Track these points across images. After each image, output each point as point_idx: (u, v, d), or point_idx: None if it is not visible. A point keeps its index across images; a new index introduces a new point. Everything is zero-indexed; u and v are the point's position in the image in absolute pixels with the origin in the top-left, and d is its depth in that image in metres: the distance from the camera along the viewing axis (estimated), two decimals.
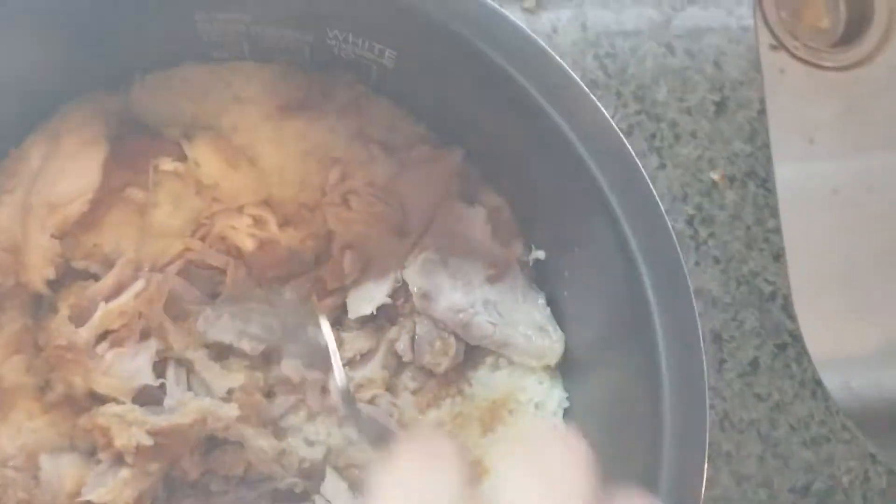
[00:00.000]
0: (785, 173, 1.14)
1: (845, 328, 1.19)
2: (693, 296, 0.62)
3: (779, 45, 1.21)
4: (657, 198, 0.63)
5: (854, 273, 1.19)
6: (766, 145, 1.05)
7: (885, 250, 1.20)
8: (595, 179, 0.63)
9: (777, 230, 1.04)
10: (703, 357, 0.64)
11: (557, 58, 0.63)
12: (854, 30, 1.24)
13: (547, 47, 0.62)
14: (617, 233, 0.64)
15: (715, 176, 1.03)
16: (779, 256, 1.04)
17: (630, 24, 1.04)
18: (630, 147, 0.63)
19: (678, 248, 0.62)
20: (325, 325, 0.78)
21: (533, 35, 0.62)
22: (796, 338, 1.02)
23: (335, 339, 0.81)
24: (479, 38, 0.62)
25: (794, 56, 1.22)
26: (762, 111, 1.05)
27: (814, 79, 1.22)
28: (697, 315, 0.63)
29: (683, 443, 0.62)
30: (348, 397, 0.77)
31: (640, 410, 0.66)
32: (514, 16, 0.97)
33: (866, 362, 1.19)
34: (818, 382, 1.02)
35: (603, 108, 0.63)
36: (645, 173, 0.62)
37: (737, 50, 1.06)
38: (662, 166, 1.02)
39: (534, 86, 0.63)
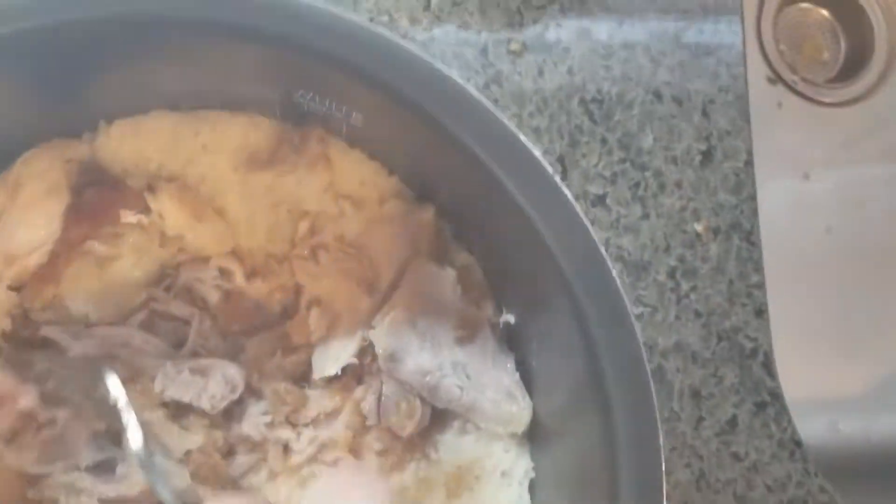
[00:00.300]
0: (777, 210, 1.12)
1: (833, 370, 1.17)
2: (650, 379, 0.60)
3: (776, 79, 1.19)
4: (617, 281, 0.61)
5: (844, 314, 1.17)
6: (752, 197, 1.03)
7: (878, 289, 1.18)
8: (554, 257, 0.61)
9: (760, 285, 1.02)
10: (660, 439, 0.62)
11: (521, 135, 0.60)
12: (853, 64, 1.22)
13: (507, 121, 0.60)
14: (577, 312, 0.63)
15: (699, 227, 1.01)
16: (761, 312, 1.02)
17: (618, 70, 1.02)
18: (591, 230, 0.60)
19: (640, 341, 0.60)
20: (115, 381, 0.74)
21: (491, 107, 0.60)
22: (776, 396, 1.01)
23: (300, 397, 0.80)
24: (436, 108, 0.60)
25: (791, 90, 1.20)
26: (749, 162, 1.03)
27: (811, 113, 1.20)
28: (656, 407, 0.61)
29: None
30: (146, 461, 0.72)
31: (600, 482, 0.65)
32: (500, 57, 0.96)
33: (855, 404, 1.17)
34: (797, 443, 1.00)
35: (562, 185, 0.60)
36: (605, 254, 0.60)
37: (725, 98, 1.04)
38: (646, 216, 1.00)
39: (493, 159, 0.61)
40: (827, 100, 1.20)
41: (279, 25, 0.59)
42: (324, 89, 0.67)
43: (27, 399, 0.71)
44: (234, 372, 0.79)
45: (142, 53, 0.66)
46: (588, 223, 0.62)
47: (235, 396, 0.79)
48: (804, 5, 1.24)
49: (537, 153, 0.62)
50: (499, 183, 0.63)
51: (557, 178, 0.63)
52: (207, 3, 0.59)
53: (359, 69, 0.60)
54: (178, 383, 0.77)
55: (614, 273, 0.62)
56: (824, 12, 1.25)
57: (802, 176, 1.18)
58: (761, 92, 1.18)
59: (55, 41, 0.61)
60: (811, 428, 1.11)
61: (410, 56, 0.60)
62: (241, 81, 0.69)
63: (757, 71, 1.18)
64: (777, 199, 1.15)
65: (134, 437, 0.72)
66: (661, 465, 0.62)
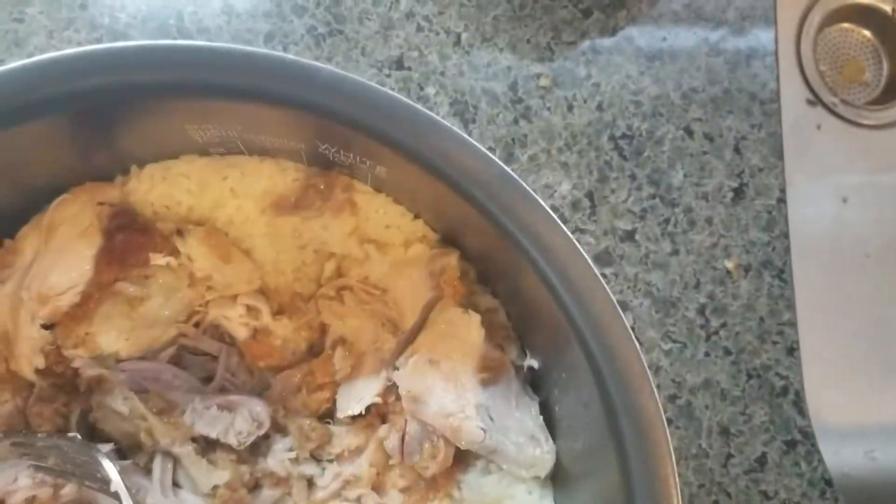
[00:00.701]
0: (815, 234, 1.11)
1: (868, 400, 1.16)
2: (672, 455, 0.60)
3: (816, 101, 1.19)
4: (633, 338, 0.61)
5: (882, 341, 1.16)
6: (784, 235, 1.02)
7: None
8: (570, 313, 0.61)
9: (792, 323, 1.01)
10: (677, 490, 0.62)
11: (540, 201, 0.61)
12: (895, 87, 1.21)
13: (529, 189, 0.61)
14: (593, 367, 0.63)
15: (729, 264, 1.01)
16: (792, 350, 1.01)
17: (648, 106, 1.02)
18: (607, 288, 0.60)
19: (657, 399, 0.60)
20: (109, 465, 0.74)
21: (515, 177, 0.60)
22: (807, 435, 1.00)
23: (325, 433, 0.81)
24: (455, 171, 0.61)
25: (831, 112, 1.19)
26: (782, 199, 1.02)
27: (851, 136, 1.19)
28: (674, 468, 0.60)
29: None
30: None
31: None
32: (529, 93, 0.96)
33: (892, 432, 1.16)
34: (828, 482, 1.00)
35: (577, 243, 0.61)
36: (628, 325, 0.60)
37: (758, 135, 1.03)
38: (675, 252, 1.00)
39: (508, 218, 0.62)
40: (867, 122, 1.18)
41: (301, 92, 0.60)
42: (347, 146, 0.68)
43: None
44: (260, 409, 0.80)
45: (171, 112, 0.68)
46: (603, 281, 0.62)
47: (262, 432, 0.80)
48: (845, 25, 1.23)
49: (549, 208, 0.62)
50: (513, 236, 0.64)
51: (571, 233, 0.63)
52: (234, 70, 0.60)
53: (381, 133, 0.61)
54: (206, 419, 0.79)
55: (630, 330, 0.62)
56: (866, 33, 1.23)
57: (840, 200, 1.17)
58: (800, 114, 1.17)
59: (91, 98, 0.62)
60: (846, 458, 1.10)
61: (430, 121, 0.61)
62: (268, 135, 0.70)
63: (796, 93, 1.17)
64: (814, 225, 1.14)
65: None
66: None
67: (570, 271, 0.61)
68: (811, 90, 1.18)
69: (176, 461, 0.79)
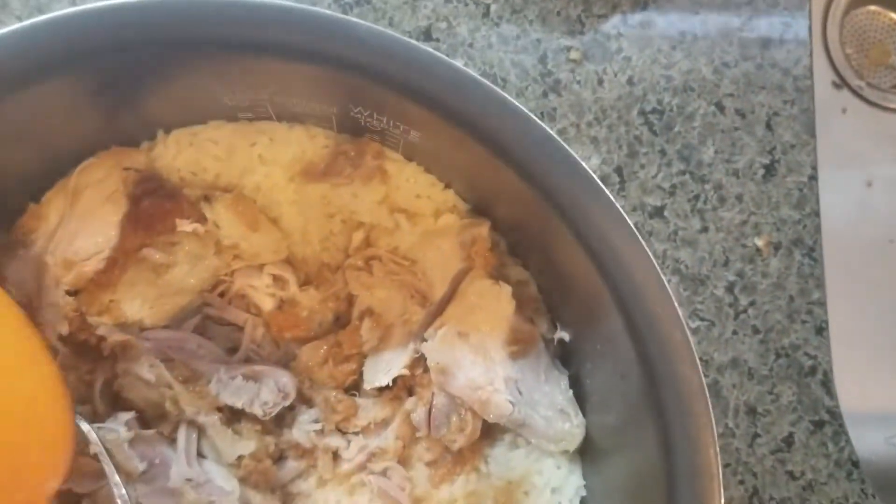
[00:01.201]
0: (839, 220, 1.10)
1: (892, 385, 1.15)
2: (709, 405, 0.59)
3: (842, 84, 1.17)
4: (675, 303, 0.59)
5: None
6: (816, 213, 1.01)
7: None
8: (611, 277, 0.60)
9: (821, 302, 1.00)
10: (718, 464, 0.61)
11: (582, 163, 0.59)
12: None
13: (571, 152, 0.59)
14: (633, 333, 0.62)
15: (759, 242, 0.99)
16: (822, 330, 1.00)
17: (679, 81, 1.00)
18: (649, 251, 0.59)
19: (698, 363, 0.59)
20: (86, 426, 0.71)
21: (546, 127, 0.59)
22: (834, 415, 0.98)
23: (351, 405, 0.80)
24: (492, 128, 0.60)
25: (857, 95, 1.18)
26: (813, 177, 1.01)
27: (877, 120, 1.17)
28: (715, 434, 0.59)
29: None
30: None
31: (654, 501, 0.64)
32: (559, 66, 0.95)
33: None
34: (855, 463, 0.98)
35: (619, 205, 0.59)
36: (671, 292, 0.59)
37: (791, 111, 1.01)
38: (704, 229, 0.99)
39: (548, 178, 0.60)
40: (893, 106, 1.17)
41: (337, 48, 0.59)
42: (381, 108, 0.66)
43: None
44: (286, 380, 0.80)
45: (200, 71, 0.66)
46: (645, 244, 0.61)
47: (287, 403, 0.79)
48: (872, 8, 1.21)
49: (592, 173, 0.61)
50: (554, 201, 0.63)
51: (613, 198, 0.61)
52: (266, 24, 0.58)
53: (416, 90, 0.60)
54: (231, 389, 0.78)
55: (672, 294, 0.60)
56: (893, 15, 1.21)
57: (865, 184, 1.15)
58: (825, 98, 1.15)
59: (117, 56, 0.61)
60: (868, 443, 1.08)
61: (467, 78, 0.59)
62: (299, 97, 0.69)
63: (822, 76, 1.15)
64: (839, 208, 1.12)
65: (115, 482, 0.71)
66: (719, 490, 0.61)
67: (613, 236, 0.60)
68: (837, 73, 1.17)
69: (200, 431, 0.78)
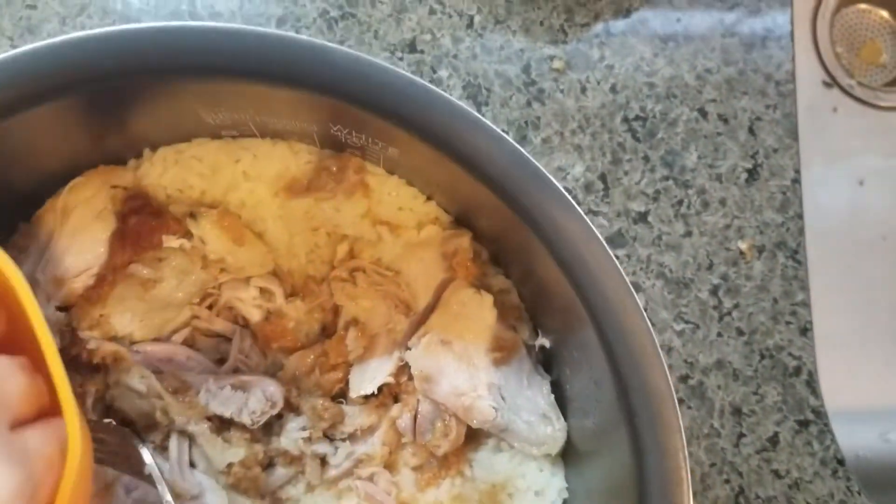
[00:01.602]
0: (830, 216, 1.11)
1: (883, 381, 1.16)
2: (682, 427, 0.61)
3: (832, 83, 1.18)
4: (645, 318, 0.61)
5: None
6: (799, 215, 1.02)
7: None
8: (583, 291, 0.62)
9: (805, 304, 1.01)
10: (686, 471, 0.63)
11: (552, 179, 0.61)
12: None
13: (540, 167, 0.61)
14: (605, 346, 0.63)
15: (743, 245, 1.01)
16: (806, 331, 1.01)
17: (662, 87, 1.02)
18: (619, 267, 0.61)
19: (667, 377, 0.61)
20: (146, 452, 0.76)
21: (526, 155, 0.61)
22: (819, 414, 1.00)
23: (338, 413, 0.82)
24: (466, 148, 0.62)
25: (848, 94, 1.19)
26: (796, 180, 1.02)
27: (868, 118, 1.19)
28: (685, 447, 0.61)
29: None
30: None
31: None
32: (543, 75, 0.96)
33: None
34: (840, 461, 1.00)
35: (589, 221, 0.61)
36: (639, 302, 0.60)
37: (773, 116, 1.03)
38: (688, 234, 1.00)
39: (527, 206, 0.62)
40: (885, 104, 1.18)
41: (314, 73, 0.60)
42: (360, 127, 0.68)
43: None
44: (273, 389, 0.81)
45: (184, 94, 0.68)
46: (615, 259, 0.62)
47: (275, 412, 0.81)
48: (862, 7, 1.22)
49: (571, 199, 0.62)
50: (527, 216, 0.64)
51: (584, 214, 0.63)
52: (246, 52, 0.60)
53: (390, 112, 0.62)
54: (220, 399, 0.80)
55: (641, 309, 0.62)
56: (884, 13, 1.23)
57: (857, 182, 1.17)
58: (815, 96, 1.17)
59: (102, 83, 0.63)
60: (859, 440, 1.10)
61: (439, 99, 0.61)
62: (280, 117, 0.71)
63: (812, 75, 1.17)
64: (829, 207, 1.14)
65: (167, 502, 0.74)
66: (688, 493, 0.63)
67: (583, 250, 0.61)
68: (827, 72, 1.18)
69: (191, 440, 0.80)
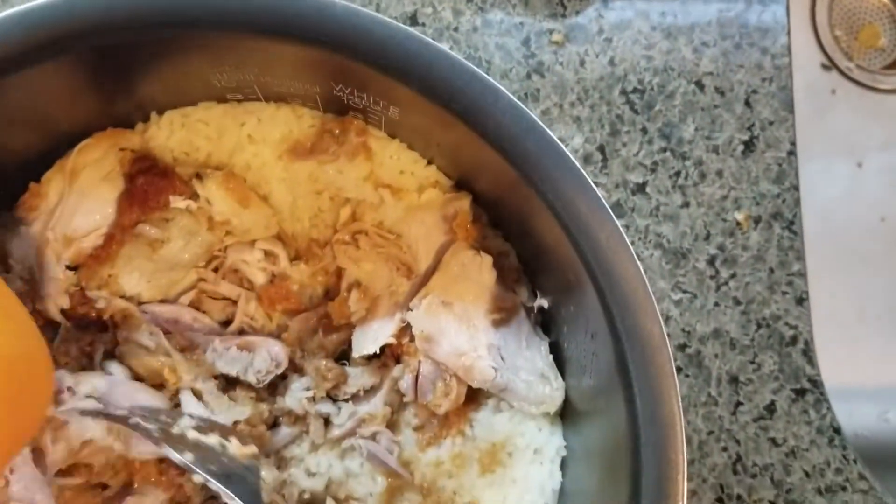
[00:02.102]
0: (829, 197, 1.13)
1: (882, 361, 1.17)
2: (675, 374, 0.62)
3: (831, 65, 1.20)
4: (642, 272, 0.62)
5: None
6: (795, 187, 1.03)
7: None
8: (581, 248, 0.63)
9: (801, 274, 1.02)
10: (683, 439, 0.64)
11: (546, 129, 0.63)
12: None
13: (535, 117, 0.62)
14: (602, 300, 0.64)
15: (739, 216, 1.02)
16: (802, 300, 1.02)
17: (660, 60, 1.03)
18: (619, 226, 0.62)
19: (663, 329, 0.62)
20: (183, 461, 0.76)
21: (521, 106, 0.62)
22: (815, 383, 1.01)
23: (341, 374, 0.83)
24: (467, 104, 0.63)
25: (846, 77, 1.20)
26: (792, 152, 1.03)
27: (866, 101, 1.20)
28: (679, 393, 0.62)
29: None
30: None
31: (626, 459, 0.66)
32: (542, 48, 0.98)
33: None
34: (836, 430, 1.01)
35: (590, 180, 0.62)
36: (632, 249, 0.62)
37: (769, 89, 1.04)
38: (686, 204, 1.02)
39: (521, 156, 0.63)
40: (883, 86, 1.19)
41: (318, 28, 0.62)
42: (362, 86, 0.70)
43: None
44: (278, 349, 0.83)
45: (189, 51, 0.70)
46: (613, 215, 0.64)
47: (279, 371, 0.83)
48: None
49: (563, 147, 0.64)
50: (528, 175, 0.66)
51: (583, 170, 0.64)
52: (248, 6, 0.62)
53: (394, 70, 0.63)
54: (226, 358, 0.81)
55: (639, 264, 0.63)
56: None
57: (856, 164, 1.18)
58: (814, 79, 1.18)
59: (108, 37, 0.64)
60: (859, 419, 1.11)
61: (444, 56, 0.63)
62: (283, 78, 0.72)
63: (810, 58, 1.18)
64: (827, 187, 1.15)
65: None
66: (681, 447, 0.63)
67: (581, 204, 0.63)
68: (826, 55, 1.19)
69: (197, 398, 0.81)
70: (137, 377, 0.80)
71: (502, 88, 0.63)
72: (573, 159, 0.62)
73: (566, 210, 0.63)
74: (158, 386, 0.81)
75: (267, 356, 0.82)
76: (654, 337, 0.62)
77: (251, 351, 0.82)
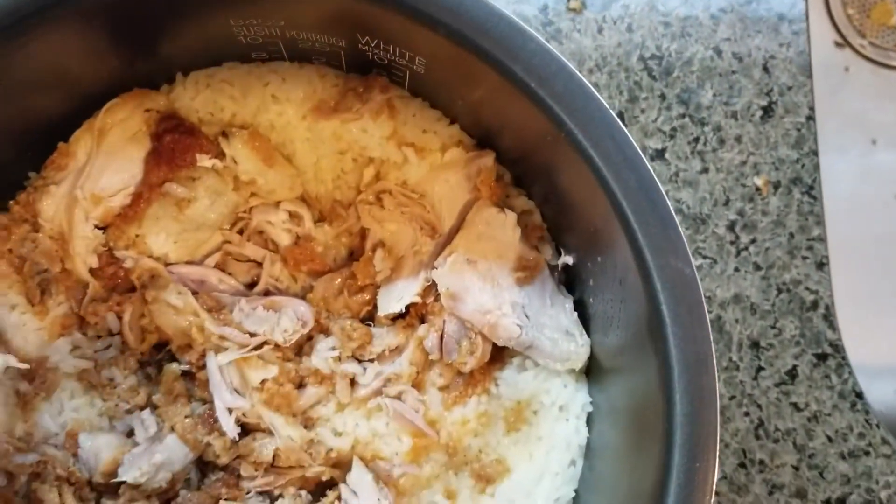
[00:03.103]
0: (843, 174, 1.12)
1: None
2: (707, 316, 0.62)
3: (844, 43, 1.19)
4: (672, 212, 0.63)
5: None
6: (814, 152, 1.04)
7: None
8: (614, 195, 0.63)
9: (821, 238, 1.03)
10: (716, 379, 0.63)
11: (576, 72, 0.63)
12: None
13: (566, 61, 0.63)
14: (633, 241, 0.64)
15: (759, 181, 1.02)
16: (822, 265, 1.02)
17: (677, 27, 1.04)
18: (650, 166, 0.62)
19: (694, 269, 0.62)
20: None
21: (552, 48, 0.62)
22: (837, 348, 1.01)
23: (366, 333, 0.84)
24: (495, 47, 0.63)
25: (859, 54, 1.20)
26: (811, 117, 1.04)
27: (880, 78, 1.20)
28: (711, 334, 0.62)
29: (692, 455, 0.62)
30: None
31: (655, 417, 0.66)
32: (560, 15, 0.98)
33: None
34: (859, 394, 1.01)
35: (622, 124, 0.62)
36: (663, 191, 0.62)
37: (787, 54, 1.04)
38: (705, 170, 1.02)
39: (551, 97, 0.63)
40: None
41: None
42: (387, 35, 0.70)
43: None
44: (304, 309, 0.83)
45: (218, 2, 0.70)
46: (644, 157, 0.64)
47: (306, 331, 0.83)
48: None
49: (595, 91, 0.64)
50: (558, 118, 0.65)
51: (615, 116, 0.64)
52: None
53: (422, 13, 0.63)
54: (253, 318, 0.82)
55: (669, 205, 0.63)
56: None
57: (870, 142, 1.18)
58: (828, 56, 1.18)
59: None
60: (876, 392, 1.11)
61: None
62: (309, 30, 0.73)
63: (823, 36, 1.18)
64: (842, 165, 1.15)
65: None
66: (716, 403, 0.63)
67: (613, 147, 0.63)
68: (839, 33, 1.19)
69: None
70: (165, 339, 0.81)
71: (530, 30, 0.63)
72: (602, 101, 0.62)
73: (597, 150, 0.63)
74: (185, 348, 0.82)
75: (293, 315, 0.83)
76: (684, 275, 0.62)
77: (277, 311, 0.83)
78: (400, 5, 0.63)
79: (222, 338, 0.80)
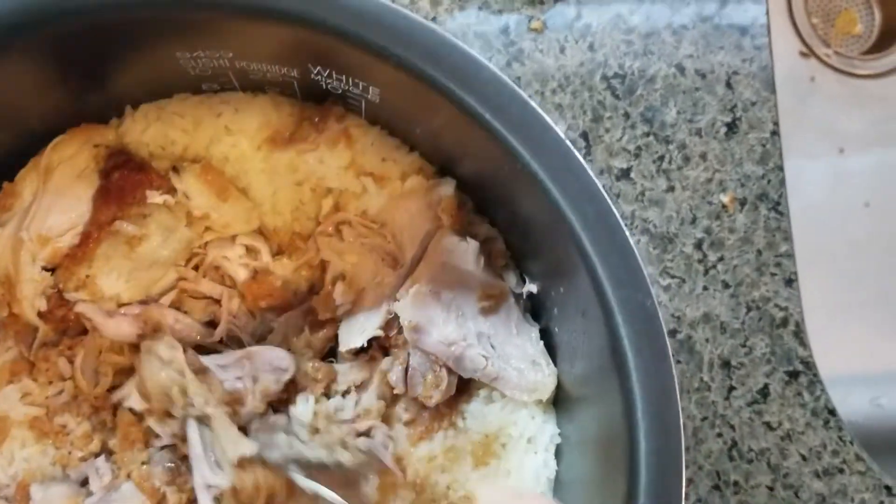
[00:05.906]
0: (811, 184, 1.12)
1: (873, 346, 1.17)
2: (669, 349, 0.60)
3: (809, 53, 1.19)
4: (632, 243, 0.61)
5: (883, 290, 1.17)
6: (779, 167, 1.02)
7: None
8: (572, 226, 0.62)
9: (789, 254, 1.01)
10: (679, 415, 0.62)
11: (529, 100, 0.61)
12: (888, 36, 1.22)
13: (518, 89, 0.61)
14: (593, 275, 0.63)
15: (725, 199, 1.01)
16: (790, 281, 1.01)
17: (640, 45, 1.02)
18: (607, 197, 0.61)
19: (655, 301, 0.61)
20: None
21: (506, 78, 0.61)
22: (808, 365, 1.00)
23: (330, 372, 0.81)
24: (449, 80, 0.62)
25: (825, 63, 1.20)
26: (775, 132, 1.03)
27: (846, 87, 1.20)
28: (673, 365, 0.61)
29: (656, 493, 0.61)
30: None
31: (622, 446, 0.65)
32: (521, 35, 0.97)
33: None
34: (831, 411, 1.00)
35: (576, 151, 0.61)
36: (620, 220, 0.61)
37: (750, 69, 1.03)
38: (671, 189, 1.01)
39: (505, 127, 0.62)
40: (862, 72, 1.19)
41: (294, 4, 0.60)
42: (340, 66, 0.68)
43: None
44: (277, 353, 0.80)
45: (162, 33, 0.68)
46: (602, 188, 0.62)
47: (289, 376, 0.80)
48: None
49: (550, 120, 0.62)
50: (512, 149, 0.64)
51: (571, 146, 0.63)
52: None
53: (372, 44, 0.62)
54: (229, 379, 0.79)
55: (629, 235, 0.62)
56: None
57: (837, 150, 1.18)
58: (793, 67, 1.18)
59: (79, 28, 0.63)
60: (851, 404, 1.10)
61: (422, 28, 0.61)
62: (260, 61, 0.71)
63: (788, 46, 1.18)
64: (810, 174, 1.14)
65: None
66: (679, 428, 0.62)
67: (570, 179, 0.61)
68: (804, 43, 1.19)
69: (207, 425, 0.78)
70: (144, 396, 0.77)
71: (483, 60, 0.61)
72: (557, 130, 0.61)
73: (553, 181, 0.61)
74: (164, 415, 0.78)
75: (269, 367, 0.80)
76: (647, 312, 0.61)
77: (251, 360, 0.80)
78: (349, 36, 0.61)
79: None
